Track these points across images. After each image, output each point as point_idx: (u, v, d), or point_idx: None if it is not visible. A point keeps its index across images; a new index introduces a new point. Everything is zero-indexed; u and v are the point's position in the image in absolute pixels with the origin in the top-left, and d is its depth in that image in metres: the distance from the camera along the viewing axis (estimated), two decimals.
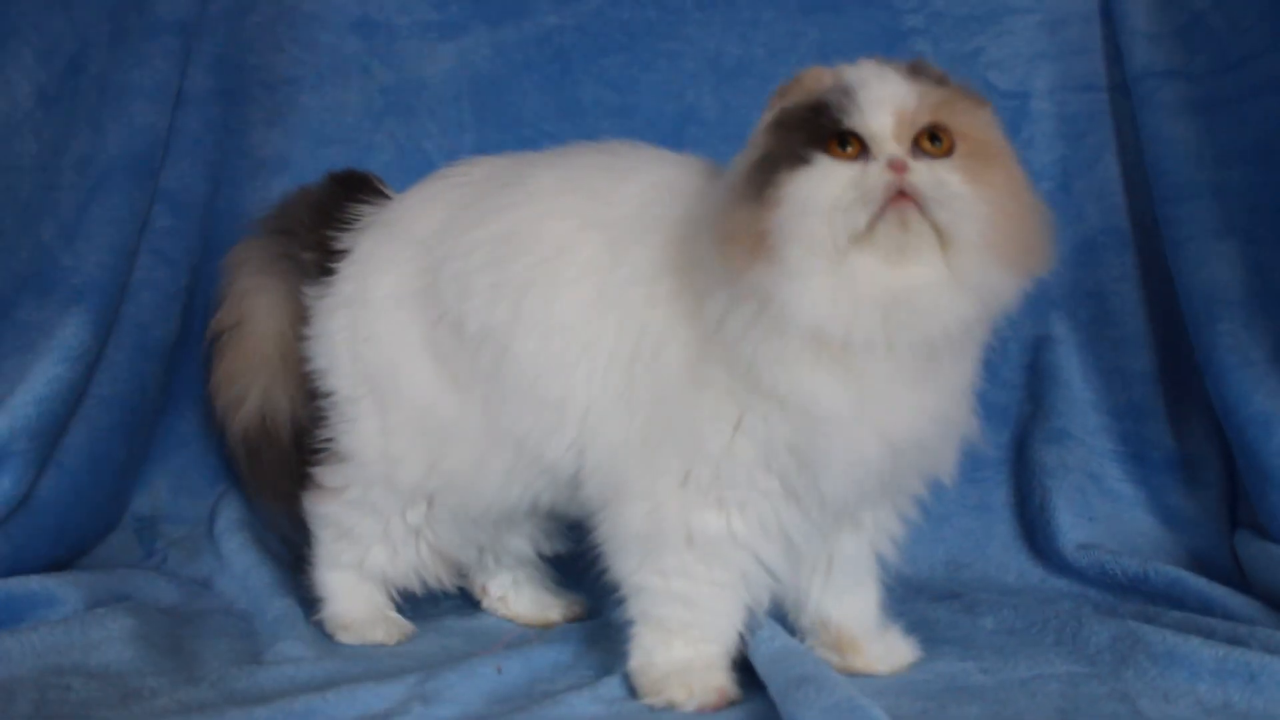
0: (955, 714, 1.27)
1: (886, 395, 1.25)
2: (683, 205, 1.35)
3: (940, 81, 1.29)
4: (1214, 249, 1.84)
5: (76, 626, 1.44)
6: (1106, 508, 1.91)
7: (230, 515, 1.83)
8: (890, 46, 2.06)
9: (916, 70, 1.28)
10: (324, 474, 1.55)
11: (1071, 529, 1.86)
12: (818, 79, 1.28)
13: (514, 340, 1.38)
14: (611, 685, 1.34)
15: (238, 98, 2.07)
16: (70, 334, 1.71)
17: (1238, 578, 1.75)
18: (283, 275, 1.65)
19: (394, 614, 1.58)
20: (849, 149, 1.22)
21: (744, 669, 1.35)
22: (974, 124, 1.26)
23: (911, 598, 1.75)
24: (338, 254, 1.54)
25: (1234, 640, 1.43)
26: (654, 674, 1.32)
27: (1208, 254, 1.84)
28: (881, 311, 1.20)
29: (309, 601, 1.61)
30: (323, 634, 1.56)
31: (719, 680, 1.32)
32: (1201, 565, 1.80)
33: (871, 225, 1.19)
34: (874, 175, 1.20)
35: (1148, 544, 1.86)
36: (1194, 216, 1.86)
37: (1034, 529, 1.91)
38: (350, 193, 1.60)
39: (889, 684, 1.38)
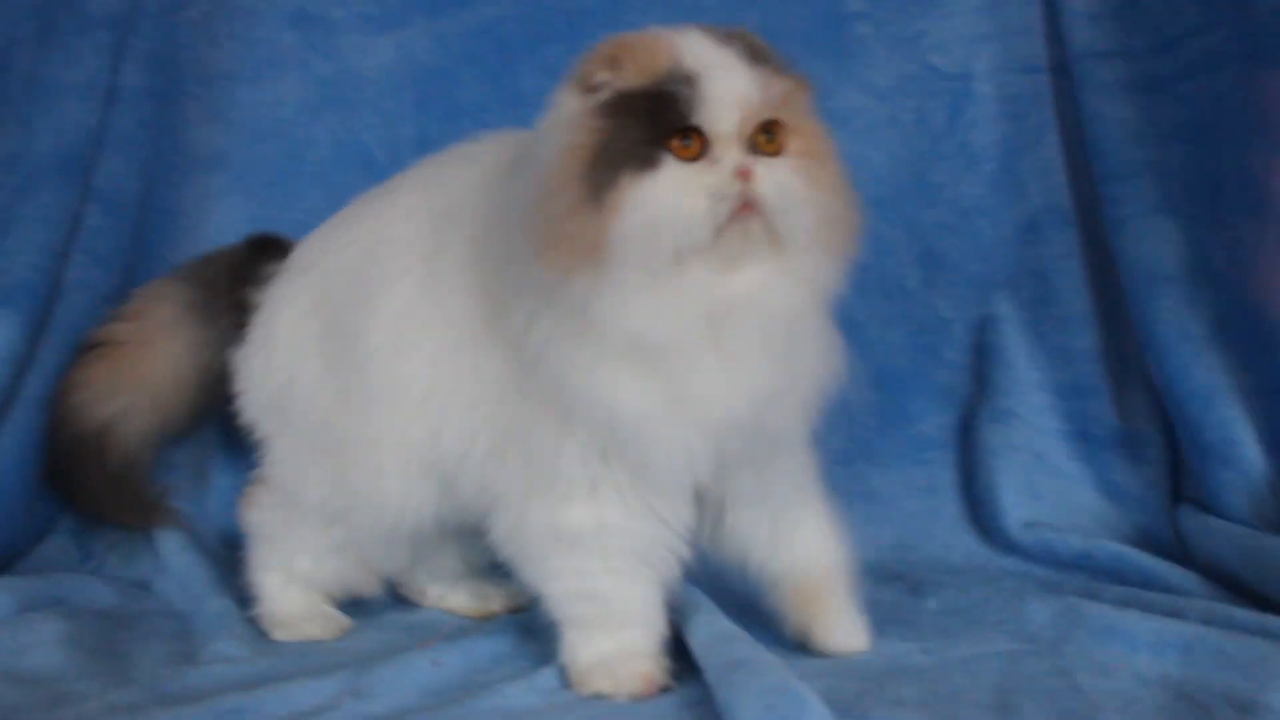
0: (893, 694, 1.26)
1: (700, 389, 1.21)
2: (490, 194, 1.33)
3: (779, 68, 1.22)
4: (1153, 226, 1.84)
5: (5, 631, 1.42)
6: (1052, 486, 1.91)
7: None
8: (833, 31, 2.06)
9: (756, 54, 1.21)
10: (252, 490, 1.58)
11: (1017, 508, 1.87)
12: (655, 56, 1.18)
13: (369, 334, 1.38)
14: (548, 675, 1.33)
15: (172, 94, 2.04)
16: (0, 335, 1.68)
17: (1180, 552, 1.76)
18: (200, 324, 1.67)
19: (330, 609, 1.57)
20: (690, 145, 1.17)
21: (685, 654, 1.34)
22: (805, 116, 1.24)
23: (858, 580, 1.75)
24: (253, 310, 1.56)
25: (1173, 613, 1.44)
26: (579, 667, 1.31)
27: (1147, 231, 1.85)
28: (710, 318, 1.18)
29: (249, 600, 1.59)
30: (260, 632, 1.55)
31: (643, 667, 1.30)
32: (1145, 540, 1.81)
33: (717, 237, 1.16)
34: (724, 185, 1.15)
35: (1092, 521, 1.87)
36: (1134, 195, 1.87)
37: (980, 509, 1.91)
38: (267, 255, 1.62)
39: (828, 666, 1.37)
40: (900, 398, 2.00)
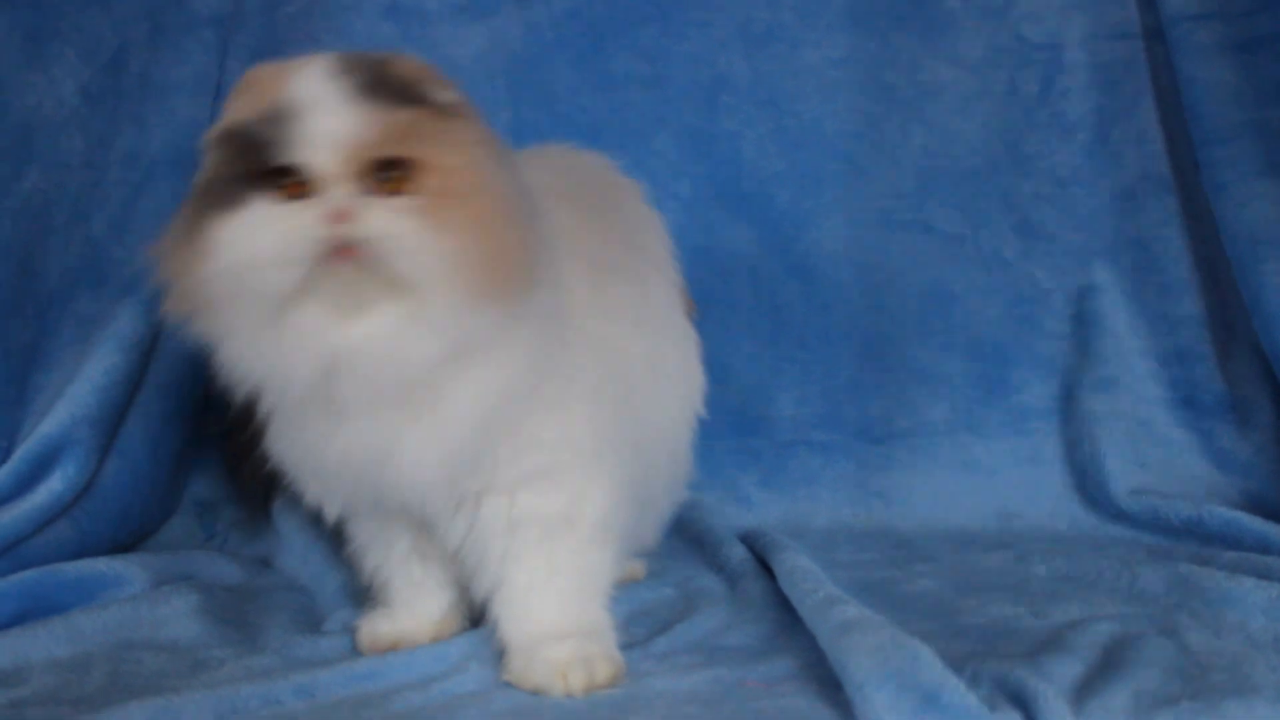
0: (1004, 652, 1.28)
1: (314, 442, 1.19)
2: None
3: (406, 96, 1.12)
4: (1256, 189, 1.82)
5: (145, 604, 1.49)
6: (1158, 453, 1.90)
7: (287, 495, 1.86)
8: (922, 4, 2.06)
9: (377, 84, 1.11)
10: None
11: (1123, 476, 1.86)
12: (264, 90, 1.12)
13: None
14: (661, 643, 1.38)
15: None
16: (124, 324, 1.75)
17: None
18: None
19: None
20: (290, 185, 1.10)
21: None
22: (444, 150, 1.12)
23: (964, 548, 1.76)
24: None
25: None
26: None
27: (1250, 194, 1.83)
28: (322, 368, 1.12)
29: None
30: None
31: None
32: (1255, 506, 1.79)
33: (310, 280, 1.09)
34: (308, 229, 1.08)
35: (1200, 488, 1.86)
36: (1235, 158, 1.85)
37: (1085, 477, 1.90)
38: None
39: (938, 628, 1.38)
40: (1002, 368, 2.00)
